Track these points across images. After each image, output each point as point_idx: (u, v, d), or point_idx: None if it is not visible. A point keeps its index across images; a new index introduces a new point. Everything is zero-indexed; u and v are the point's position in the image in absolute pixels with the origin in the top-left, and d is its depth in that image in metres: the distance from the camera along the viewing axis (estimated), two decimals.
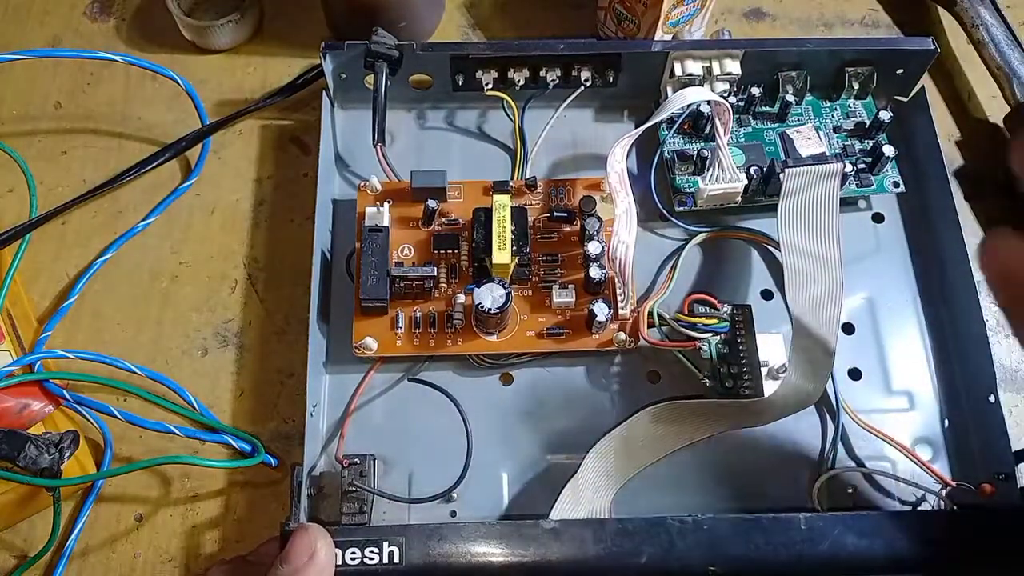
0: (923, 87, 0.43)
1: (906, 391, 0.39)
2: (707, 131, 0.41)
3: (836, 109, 0.43)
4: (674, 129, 0.42)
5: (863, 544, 0.33)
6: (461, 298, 0.37)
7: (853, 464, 0.37)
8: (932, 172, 0.42)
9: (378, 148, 0.40)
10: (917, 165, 0.43)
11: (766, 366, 0.36)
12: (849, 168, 0.40)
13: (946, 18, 0.49)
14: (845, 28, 0.49)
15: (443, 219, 0.40)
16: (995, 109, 0.46)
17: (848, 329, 0.40)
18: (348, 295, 0.38)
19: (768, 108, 0.43)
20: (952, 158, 0.45)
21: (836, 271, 0.36)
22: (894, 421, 0.38)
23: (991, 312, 0.41)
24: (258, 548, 0.34)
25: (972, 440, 0.37)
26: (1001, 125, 0.45)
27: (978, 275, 0.39)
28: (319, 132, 0.41)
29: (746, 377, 0.36)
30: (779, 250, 0.37)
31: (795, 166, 0.37)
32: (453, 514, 0.36)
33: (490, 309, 0.35)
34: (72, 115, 0.45)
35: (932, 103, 0.43)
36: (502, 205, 0.37)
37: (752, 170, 0.40)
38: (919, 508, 0.36)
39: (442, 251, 0.39)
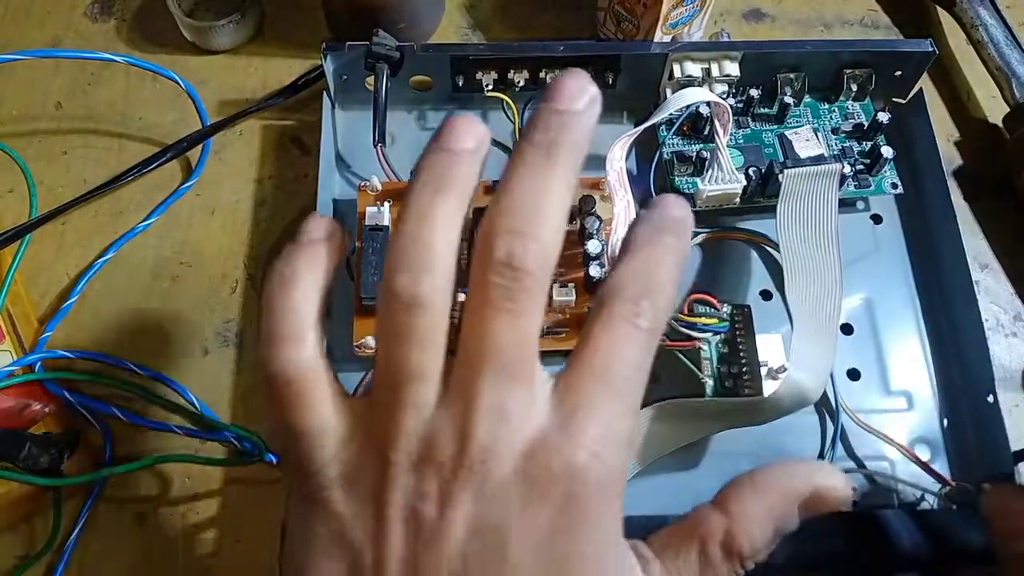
0: (921, 89, 0.43)
1: (905, 391, 0.39)
2: (706, 132, 0.42)
3: (835, 111, 0.43)
4: (673, 130, 0.42)
5: (861, 543, 0.33)
6: (461, 297, 0.37)
7: (852, 464, 0.37)
8: (930, 174, 0.42)
9: (378, 148, 0.40)
10: (916, 166, 0.43)
11: (765, 366, 0.36)
12: (848, 169, 0.40)
13: (946, 18, 0.49)
14: (844, 29, 0.50)
15: None
16: (994, 109, 0.46)
17: (847, 329, 0.40)
18: (348, 295, 0.38)
19: (767, 110, 0.43)
20: (951, 158, 0.45)
21: (835, 272, 0.36)
22: (893, 421, 0.38)
23: (991, 312, 0.41)
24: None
25: (971, 440, 0.37)
26: (1000, 125, 0.45)
27: (976, 275, 0.39)
28: (319, 133, 0.41)
29: (746, 377, 0.36)
30: (778, 251, 0.37)
31: (793, 167, 0.37)
32: None
33: None
34: (72, 115, 0.45)
35: (931, 103, 0.43)
36: None
37: (751, 171, 0.40)
38: (917, 508, 0.36)
39: None
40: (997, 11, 0.46)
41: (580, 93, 0.23)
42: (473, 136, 0.24)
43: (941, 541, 0.33)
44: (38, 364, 0.37)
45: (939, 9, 0.49)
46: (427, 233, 0.22)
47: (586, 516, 0.21)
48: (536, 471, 0.21)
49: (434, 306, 0.22)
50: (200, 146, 0.44)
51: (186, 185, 0.43)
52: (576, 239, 0.39)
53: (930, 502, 0.36)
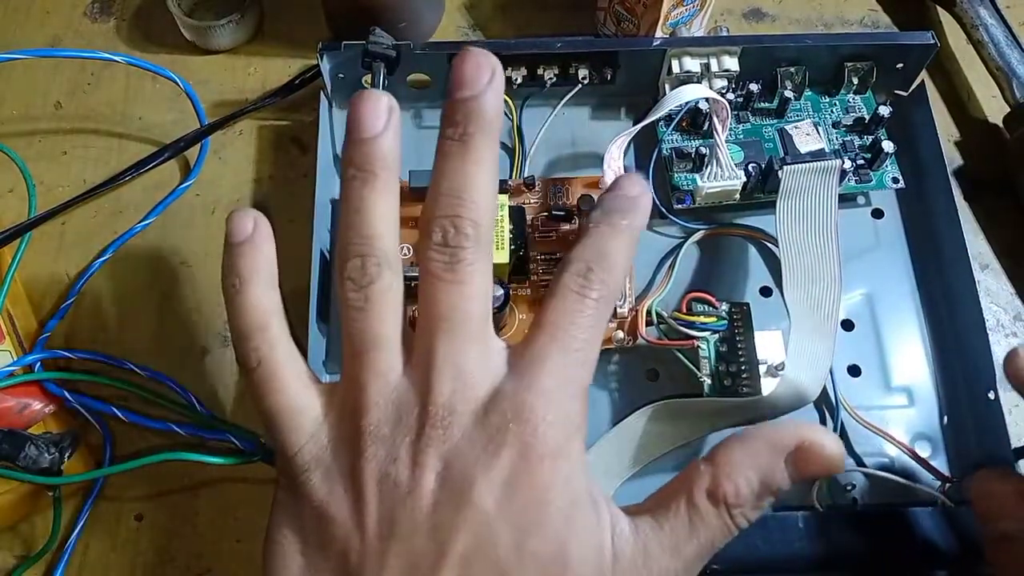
0: (923, 81, 0.43)
1: (905, 388, 0.39)
2: (705, 128, 0.41)
3: (835, 104, 0.43)
4: (672, 126, 0.42)
5: (861, 542, 0.33)
6: None
7: (852, 461, 0.37)
8: (932, 168, 0.41)
9: None
10: (917, 161, 0.42)
11: (765, 364, 0.36)
12: (848, 164, 0.40)
13: (946, 18, 0.48)
14: (845, 28, 0.49)
15: None
16: (994, 109, 0.46)
17: (847, 326, 0.40)
18: None
19: (767, 104, 0.43)
20: (951, 158, 0.45)
21: (835, 268, 0.36)
22: (893, 418, 0.38)
23: (991, 312, 0.41)
24: None
25: (971, 437, 0.37)
26: (1000, 125, 0.45)
27: (976, 275, 0.39)
28: (318, 132, 0.41)
29: (744, 375, 0.36)
30: (778, 247, 0.37)
31: (793, 163, 0.37)
32: None
33: None
34: (72, 115, 0.45)
35: (931, 103, 0.42)
36: (499, 204, 0.37)
37: (751, 167, 0.40)
38: (917, 506, 0.36)
39: None
40: (997, 11, 0.46)
41: (477, 74, 0.26)
42: (380, 116, 0.27)
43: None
44: (38, 364, 0.37)
45: (939, 9, 0.49)
46: (364, 224, 0.26)
47: (545, 457, 0.23)
48: (495, 419, 0.23)
49: (383, 279, 0.25)
50: (199, 146, 0.44)
51: (185, 184, 0.43)
52: (573, 238, 0.39)
53: (929, 499, 0.36)
